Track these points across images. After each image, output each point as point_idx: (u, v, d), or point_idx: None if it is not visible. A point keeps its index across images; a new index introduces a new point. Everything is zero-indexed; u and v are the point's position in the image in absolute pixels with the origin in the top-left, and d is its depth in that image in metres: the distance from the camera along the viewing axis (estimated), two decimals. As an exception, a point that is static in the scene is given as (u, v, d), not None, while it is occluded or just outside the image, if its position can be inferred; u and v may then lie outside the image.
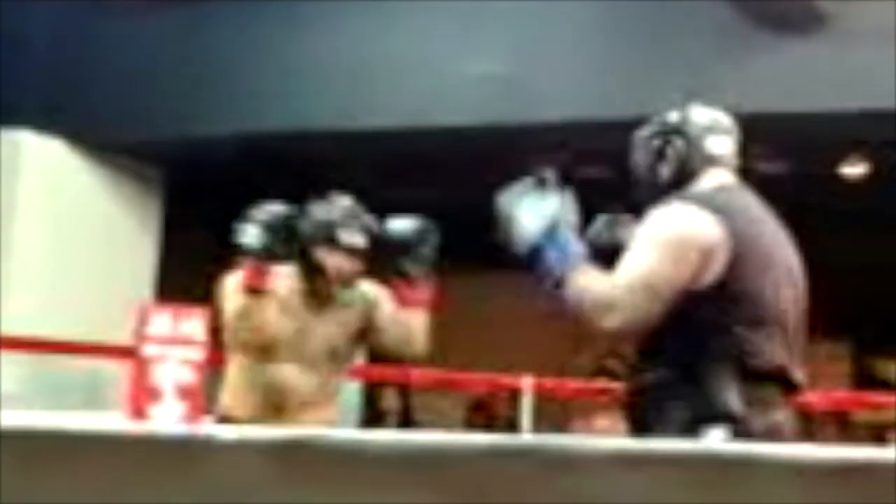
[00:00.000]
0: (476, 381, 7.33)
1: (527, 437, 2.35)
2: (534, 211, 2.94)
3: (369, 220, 3.99)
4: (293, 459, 1.48)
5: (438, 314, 3.94)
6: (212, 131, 7.35)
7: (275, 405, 3.91)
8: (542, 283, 2.92)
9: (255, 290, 3.82)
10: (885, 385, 10.69)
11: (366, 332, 4.05)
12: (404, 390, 8.67)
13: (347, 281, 3.98)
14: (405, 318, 3.95)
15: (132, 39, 7.42)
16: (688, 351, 2.84)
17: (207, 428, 1.43)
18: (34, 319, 7.17)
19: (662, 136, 3.06)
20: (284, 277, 3.97)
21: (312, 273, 3.96)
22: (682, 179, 3.01)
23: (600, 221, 3.26)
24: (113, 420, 6.39)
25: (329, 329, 4.00)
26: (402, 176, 7.89)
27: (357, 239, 3.93)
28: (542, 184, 2.97)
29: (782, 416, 2.85)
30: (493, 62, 6.68)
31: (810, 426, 8.83)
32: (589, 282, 2.86)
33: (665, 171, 3.03)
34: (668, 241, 2.84)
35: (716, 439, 2.72)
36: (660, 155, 3.05)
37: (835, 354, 11.50)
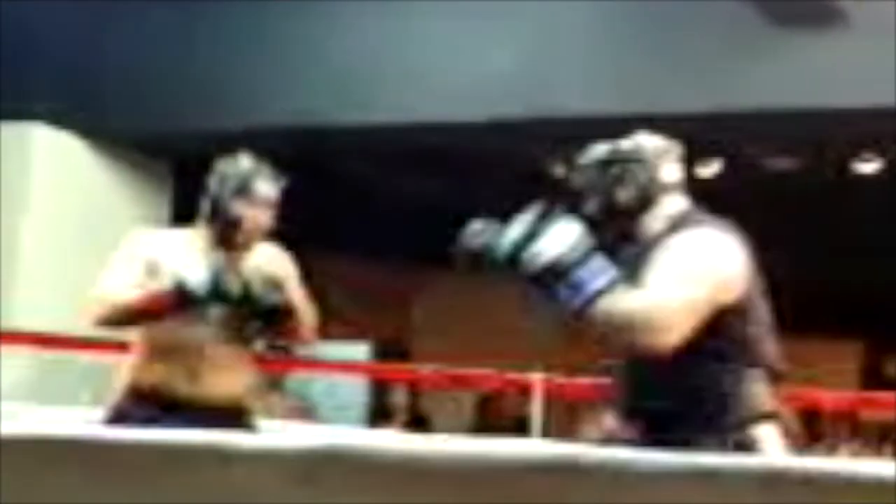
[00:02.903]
0: (485, 378, 7.30)
1: (558, 449, 2.35)
2: (560, 235, 2.98)
3: (276, 174, 4.06)
4: (317, 467, 1.46)
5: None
6: (222, 126, 7.33)
7: (187, 369, 3.88)
8: (566, 305, 2.97)
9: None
10: (894, 384, 10.65)
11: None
12: (413, 387, 8.64)
13: (261, 234, 4.00)
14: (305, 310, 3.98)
15: (143, 33, 7.41)
16: (719, 357, 3.01)
17: (231, 436, 1.40)
18: (42, 314, 7.16)
19: (620, 164, 3.17)
20: (183, 239, 3.98)
21: (227, 229, 3.96)
22: (641, 205, 3.16)
23: (532, 213, 3.17)
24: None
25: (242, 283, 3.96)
26: (414, 172, 7.86)
27: (271, 190, 4.00)
28: (549, 212, 3.01)
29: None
30: (506, 58, 6.66)
31: (821, 426, 8.80)
32: (633, 301, 2.94)
33: (623, 195, 3.15)
34: (711, 266, 3.00)
35: (768, 435, 2.98)
36: (617, 180, 3.16)
37: (845, 352, 11.48)
